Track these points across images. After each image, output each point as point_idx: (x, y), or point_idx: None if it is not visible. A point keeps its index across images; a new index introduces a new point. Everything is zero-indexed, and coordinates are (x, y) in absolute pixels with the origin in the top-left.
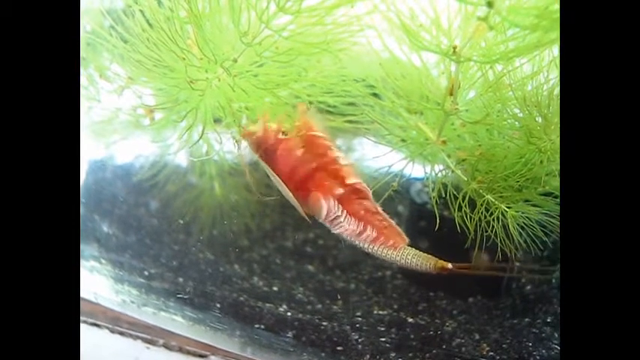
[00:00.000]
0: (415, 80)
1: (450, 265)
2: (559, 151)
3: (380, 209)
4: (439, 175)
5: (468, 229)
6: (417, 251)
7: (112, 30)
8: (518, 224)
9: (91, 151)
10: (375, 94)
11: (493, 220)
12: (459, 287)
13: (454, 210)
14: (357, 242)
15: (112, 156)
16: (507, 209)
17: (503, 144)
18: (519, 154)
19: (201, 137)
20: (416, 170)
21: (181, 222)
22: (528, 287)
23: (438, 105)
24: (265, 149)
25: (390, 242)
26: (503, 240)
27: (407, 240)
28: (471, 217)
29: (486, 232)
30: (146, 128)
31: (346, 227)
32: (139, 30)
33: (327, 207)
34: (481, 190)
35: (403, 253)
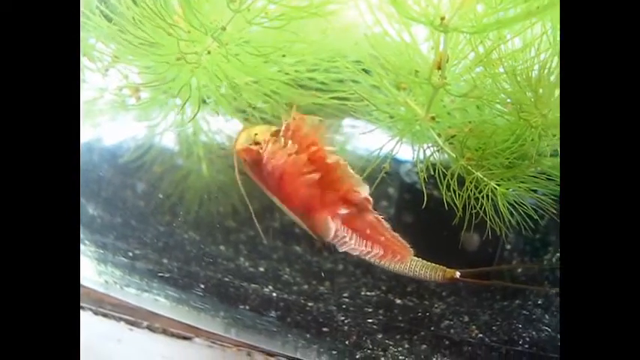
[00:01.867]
0: (404, 55)
1: (457, 274)
2: (552, 127)
3: (383, 221)
4: (427, 152)
5: (456, 207)
6: (425, 262)
7: (97, 9)
8: (508, 202)
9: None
10: (364, 70)
11: (482, 197)
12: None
13: (442, 188)
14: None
15: (98, 138)
16: (497, 187)
17: (492, 119)
18: (510, 130)
19: (195, 115)
20: (405, 150)
21: (161, 197)
22: (519, 270)
23: (426, 80)
24: (264, 167)
25: (397, 257)
26: (493, 218)
27: (412, 252)
28: (459, 195)
29: (475, 209)
30: (132, 108)
31: (353, 247)
32: (123, 8)
33: (334, 229)
34: (470, 167)
35: (411, 265)
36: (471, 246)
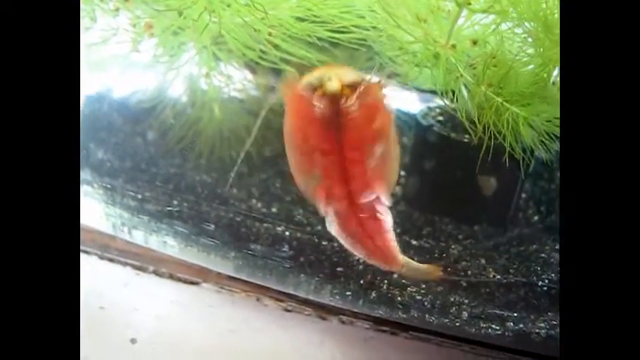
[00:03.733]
0: None
1: (440, 275)
2: None
3: (384, 225)
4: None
5: (475, 131)
6: (413, 269)
7: None
8: (529, 124)
9: (87, 85)
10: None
11: (502, 123)
12: (464, 214)
13: (461, 115)
14: None
15: (109, 89)
16: (519, 112)
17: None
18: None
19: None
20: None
21: (172, 122)
22: (536, 217)
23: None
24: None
25: (383, 267)
26: (512, 145)
27: (401, 264)
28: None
29: (496, 138)
30: (145, 50)
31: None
32: None
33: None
34: (491, 94)
35: (400, 271)
36: (488, 190)
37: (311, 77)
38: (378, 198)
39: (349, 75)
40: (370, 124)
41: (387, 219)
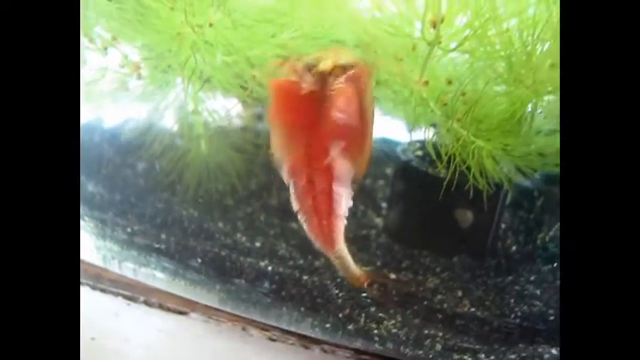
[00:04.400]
0: (400, 29)
1: (365, 284)
2: (542, 87)
3: (340, 205)
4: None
5: (440, 161)
6: (344, 262)
7: None
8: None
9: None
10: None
11: (468, 155)
12: (443, 246)
13: (428, 147)
14: None
15: (100, 119)
16: (483, 145)
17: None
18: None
19: (201, 87)
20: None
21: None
22: (514, 248)
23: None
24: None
25: (318, 241)
26: (476, 176)
27: (336, 248)
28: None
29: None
30: (134, 88)
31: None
32: None
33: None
34: (459, 128)
35: (331, 258)
36: (465, 223)
37: (309, 58)
38: (339, 179)
39: (345, 56)
40: (351, 106)
41: (342, 203)
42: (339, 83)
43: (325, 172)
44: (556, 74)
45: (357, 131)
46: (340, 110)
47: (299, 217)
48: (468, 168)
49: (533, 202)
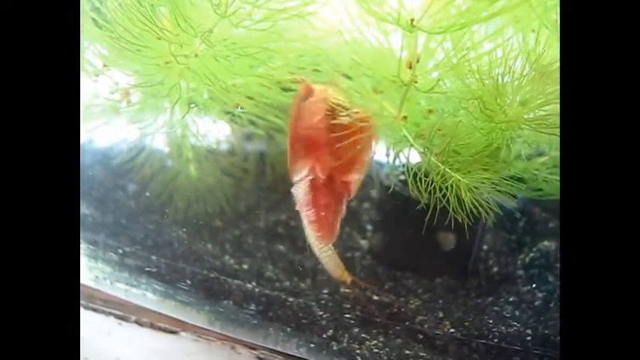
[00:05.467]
0: (382, 61)
1: (348, 280)
2: (514, 124)
3: (341, 205)
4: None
5: (421, 194)
6: (333, 256)
7: (87, 15)
8: (470, 190)
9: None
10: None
11: (447, 188)
12: (426, 268)
13: (409, 179)
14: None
15: (91, 140)
16: (461, 179)
17: (459, 118)
18: (474, 129)
19: (185, 114)
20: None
21: (147, 194)
22: (495, 269)
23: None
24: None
25: (319, 233)
26: (456, 209)
27: (333, 241)
28: (426, 187)
29: (440, 202)
30: (123, 112)
31: (299, 198)
32: (113, 14)
33: (304, 175)
34: (438, 162)
35: (322, 249)
36: (447, 246)
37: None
38: (348, 185)
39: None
40: (356, 133)
41: (344, 207)
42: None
43: (341, 175)
44: (525, 112)
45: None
46: (350, 137)
47: (300, 203)
48: (448, 201)
49: (516, 223)
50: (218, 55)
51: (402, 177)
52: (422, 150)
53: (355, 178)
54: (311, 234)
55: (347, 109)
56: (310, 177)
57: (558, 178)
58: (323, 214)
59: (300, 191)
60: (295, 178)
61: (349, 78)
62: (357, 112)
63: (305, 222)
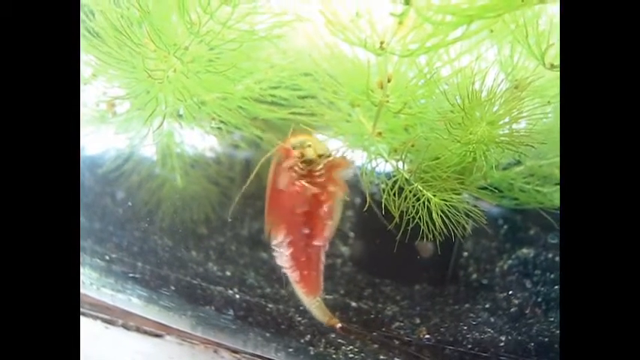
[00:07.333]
0: (358, 76)
1: (338, 325)
2: (482, 143)
3: (321, 258)
4: (375, 166)
5: (393, 213)
6: (321, 305)
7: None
8: (442, 211)
9: None
10: (324, 89)
11: (419, 205)
12: (405, 275)
13: (384, 195)
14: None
15: (81, 147)
16: (432, 197)
17: (429, 136)
18: (443, 147)
19: (159, 126)
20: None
21: (130, 204)
22: (474, 276)
23: (367, 97)
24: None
25: (305, 290)
26: (427, 225)
27: (320, 293)
28: (399, 204)
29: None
30: (111, 122)
31: (281, 259)
32: (98, 29)
33: (280, 240)
34: (410, 179)
35: (311, 301)
36: (426, 254)
37: (294, 140)
38: (326, 243)
39: (321, 148)
40: (327, 188)
41: (323, 257)
42: (320, 170)
43: (318, 239)
44: (495, 131)
45: (332, 208)
46: (321, 193)
47: (286, 267)
48: (420, 217)
49: (497, 230)
50: (192, 71)
51: (383, 186)
52: (396, 166)
53: (328, 224)
54: (299, 291)
55: (325, 157)
56: (287, 241)
57: (534, 187)
58: (306, 272)
59: (281, 255)
60: (273, 242)
61: (325, 91)
62: (331, 158)
63: (290, 280)
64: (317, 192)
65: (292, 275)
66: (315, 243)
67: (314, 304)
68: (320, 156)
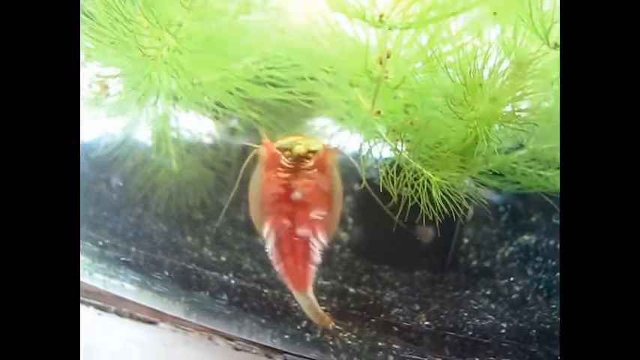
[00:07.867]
0: (356, 55)
1: (329, 325)
2: (483, 120)
3: (311, 254)
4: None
5: (392, 193)
6: (312, 304)
7: None
8: (442, 190)
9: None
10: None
11: (418, 185)
12: (404, 261)
13: (381, 176)
14: None
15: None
16: (432, 176)
17: (429, 115)
18: (446, 124)
19: (154, 103)
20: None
21: (120, 184)
22: (474, 262)
23: (370, 74)
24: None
25: (291, 284)
26: (427, 205)
27: (308, 290)
28: (398, 183)
29: (412, 198)
30: (105, 104)
31: (270, 250)
32: (91, 8)
33: (267, 232)
34: (409, 158)
35: (300, 298)
36: (426, 239)
37: (284, 141)
38: (314, 233)
39: (314, 144)
40: (320, 181)
41: (316, 252)
42: (311, 164)
43: (303, 228)
44: (498, 109)
45: (327, 199)
46: (313, 187)
47: (275, 261)
48: (419, 197)
49: (499, 216)
50: (186, 49)
51: (382, 170)
52: (394, 146)
53: (316, 216)
54: (289, 287)
55: (313, 153)
56: (272, 234)
57: (536, 171)
58: (290, 264)
59: (268, 248)
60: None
61: (326, 71)
62: (315, 152)
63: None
64: (302, 184)
65: (277, 268)
66: (299, 232)
67: (304, 301)
68: (312, 151)
